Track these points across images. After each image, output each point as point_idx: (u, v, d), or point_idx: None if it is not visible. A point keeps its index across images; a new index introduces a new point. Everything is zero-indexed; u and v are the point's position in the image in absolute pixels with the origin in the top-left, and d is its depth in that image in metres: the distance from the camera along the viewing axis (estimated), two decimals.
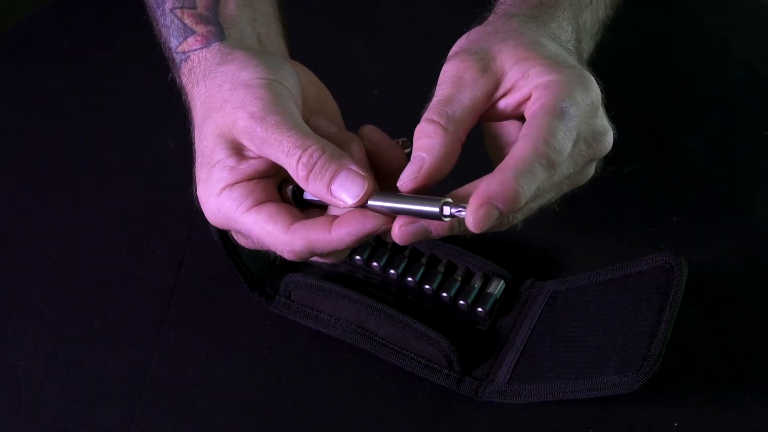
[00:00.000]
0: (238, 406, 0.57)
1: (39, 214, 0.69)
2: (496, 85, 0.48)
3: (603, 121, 0.48)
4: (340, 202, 0.46)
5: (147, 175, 0.71)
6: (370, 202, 0.45)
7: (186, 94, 0.54)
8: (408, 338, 0.58)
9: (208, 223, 0.60)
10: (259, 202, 0.48)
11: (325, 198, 0.46)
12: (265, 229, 0.48)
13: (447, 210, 0.43)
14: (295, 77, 0.51)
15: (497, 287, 0.61)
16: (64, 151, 0.73)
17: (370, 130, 0.49)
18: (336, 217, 0.47)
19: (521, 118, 0.48)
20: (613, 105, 0.50)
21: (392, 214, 0.45)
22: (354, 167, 0.46)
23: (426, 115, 0.47)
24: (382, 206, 0.45)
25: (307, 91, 0.52)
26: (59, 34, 0.84)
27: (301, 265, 0.64)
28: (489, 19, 0.53)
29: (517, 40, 0.48)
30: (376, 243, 0.64)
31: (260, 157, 0.48)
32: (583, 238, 0.66)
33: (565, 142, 0.44)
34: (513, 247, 0.66)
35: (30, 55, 0.82)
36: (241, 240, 0.52)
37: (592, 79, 0.47)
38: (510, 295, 0.62)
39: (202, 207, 0.51)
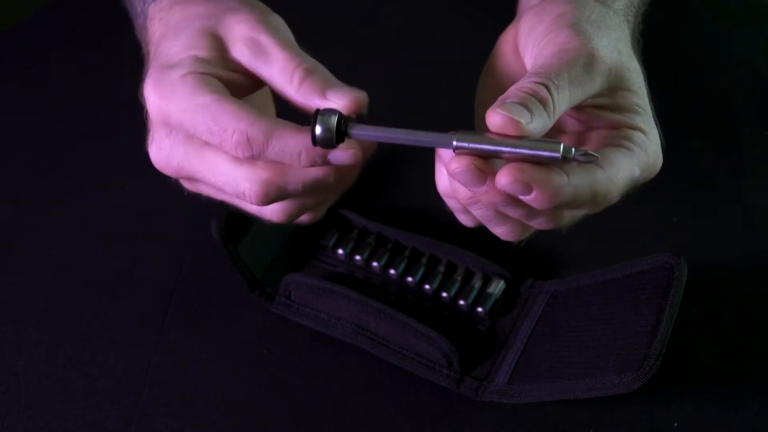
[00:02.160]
0: (238, 406, 0.57)
1: (39, 213, 0.69)
2: (600, 92, 0.44)
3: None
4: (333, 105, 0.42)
5: (147, 175, 0.70)
6: (456, 143, 0.40)
7: (153, 26, 0.50)
8: (408, 338, 0.58)
9: (208, 222, 0.60)
10: (225, 93, 0.43)
11: (317, 102, 0.43)
12: (225, 107, 0.42)
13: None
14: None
15: (497, 287, 0.61)
16: (63, 151, 0.73)
17: None
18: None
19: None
20: None
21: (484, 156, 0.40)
22: (349, 86, 0.43)
23: (544, 78, 0.41)
24: (479, 147, 0.40)
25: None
26: (59, 34, 0.84)
27: (302, 265, 0.64)
28: None
29: (616, 52, 0.45)
30: (376, 243, 0.64)
31: (239, 72, 0.45)
32: (583, 238, 0.66)
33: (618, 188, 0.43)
34: (513, 247, 0.66)
35: (30, 55, 0.82)
36: (175, 151, 0.46)
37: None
38: (510, 295, 0.62)
39: (146, 100, 0.45)
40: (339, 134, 0.41)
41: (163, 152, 0.47)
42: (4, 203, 0.70)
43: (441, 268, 0.62)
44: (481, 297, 0.61)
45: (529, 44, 0.46)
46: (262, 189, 0.43)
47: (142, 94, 0.46)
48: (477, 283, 0.61)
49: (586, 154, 0.40)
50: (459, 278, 0.61)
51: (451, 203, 0.46)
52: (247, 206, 0.47)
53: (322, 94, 0.43)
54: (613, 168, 0.43)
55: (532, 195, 0.39)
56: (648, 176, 0.46)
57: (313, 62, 0.45)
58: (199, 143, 0.45)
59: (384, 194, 0.70)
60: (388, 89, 0.77)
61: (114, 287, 0.63)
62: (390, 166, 0.72)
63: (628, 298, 0.56)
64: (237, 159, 0.44)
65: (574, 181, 0.40)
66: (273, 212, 0.47)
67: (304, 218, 0.48)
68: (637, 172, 0.44)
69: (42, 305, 0.62)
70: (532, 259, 0.65)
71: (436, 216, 0.68)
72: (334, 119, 0.41)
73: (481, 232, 0.67)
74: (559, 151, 0.39)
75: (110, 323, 0.61)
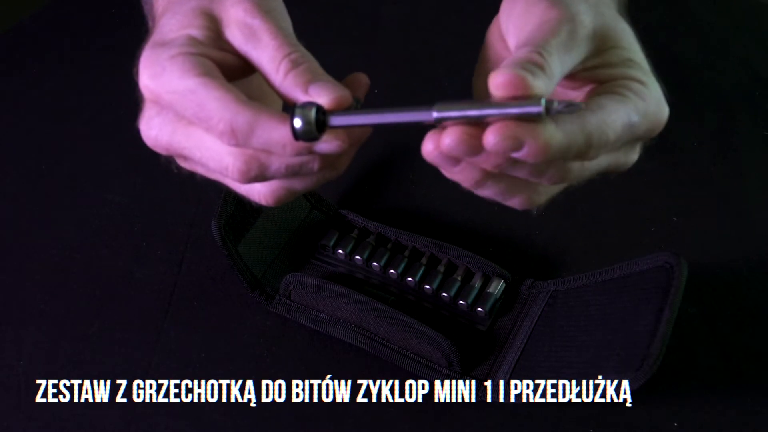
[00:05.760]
0: (238, 406, 0.57)
1: (39, 213, 0.69)
2: (591, 54, 0.44)
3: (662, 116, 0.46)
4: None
5: (147, 175, 0.71)
6: (436, 113, 0.40)
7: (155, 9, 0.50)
8: (408, 338, 0.58)
9: (208, 222, 0.60)
10: (215, 75, 0.43)
11: (299, 97, 0.43)
12: (211, 94, 0.42)
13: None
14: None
15: (497, 287, 0.61)
16: (64, 151, 0.73)
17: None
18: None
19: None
20: None
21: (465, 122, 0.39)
22: (334, 81, 0.43)
23: (534, 51, 0.41)
24: (461, 114, 0.39)
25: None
26: (59, 34, 0.84)
27: (302, 265, 0.64)
28: None
29: (599, 15, 0.45)
30: (376, 243, 0.64)
31: (232, 54, 0.45)
32: (583, 238, 0.66)
33: (615, 138, 0.42)
34: (513, 247, 0.66)
35: (30, 55, 0.82)
36: (163, 131, 0.46)
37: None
38: (510, 295, 0.62)
39: (139, 77, 0.45)
40: (319, 126, 0.41)
41: (153, 131, 0.47)
42: (4, 203, 0.70)
43: (441, 268, 0.62)
44: (481, 297, 0.61)
45: (510, 28, 0.46)
46: (245, 165, 0.43)
47: (136, 71, 0.47)
48: (477, 283, 0.61)
49: (569, 104, 0.39)
50: (459, 278, 0.61)
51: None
52: (232, 184, 0.47)
53: (305, 89, 0.43)
54: (604, 111, 0.42)
55: (525, 149, 0.39)
56: (652, 126, 0.45)
57: (302, 53, 0.44)
58: (186, 121, 0.45)
59: (384, 194, 0.70)
60: (388, 89, 0.77)
61: (114, 287, 0.63)
62: (390, 166, 0.72)
63: (628, 298, 0.56)
64: None
65: (564, 128, 0.40)
66: (261, 194, 0.47)
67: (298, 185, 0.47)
68: (634, 117, 0.43)
69: (42, 305, 0.62)
70: (532, 259, 0.65)
71: (436, 216, 0.68)
72: (313, 112, 0.41)
73: (481, 232, 0.67)
74: (540, 104, 0.38)
75: (110, 323, 0.61)
